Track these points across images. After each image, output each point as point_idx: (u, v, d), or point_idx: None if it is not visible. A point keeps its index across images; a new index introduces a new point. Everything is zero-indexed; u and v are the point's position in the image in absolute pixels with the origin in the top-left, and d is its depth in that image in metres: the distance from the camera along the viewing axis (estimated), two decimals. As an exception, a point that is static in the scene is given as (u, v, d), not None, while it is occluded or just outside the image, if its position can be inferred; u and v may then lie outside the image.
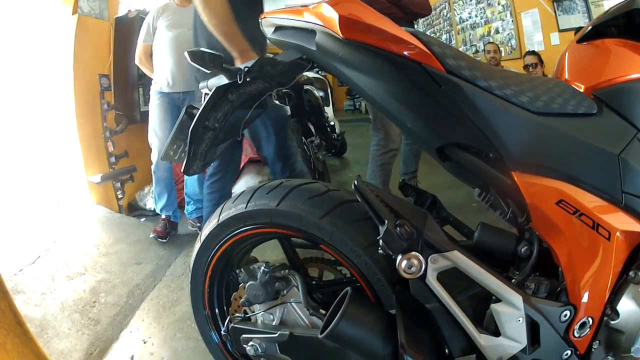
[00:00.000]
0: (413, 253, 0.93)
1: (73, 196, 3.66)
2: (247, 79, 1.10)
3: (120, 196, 3.85)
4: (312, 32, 1.01)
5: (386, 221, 0.92)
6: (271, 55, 1.20)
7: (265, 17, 1.18)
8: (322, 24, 0.97)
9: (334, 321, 0.95)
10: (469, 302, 1.01)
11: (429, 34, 6.57)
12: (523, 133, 0.97)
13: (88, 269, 2.69)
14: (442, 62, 0.93)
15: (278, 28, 1.16)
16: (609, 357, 1.04)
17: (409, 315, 1.00)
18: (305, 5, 1.04)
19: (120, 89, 3.99)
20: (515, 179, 0.96)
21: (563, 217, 0.97)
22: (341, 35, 0.93)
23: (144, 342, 2.03)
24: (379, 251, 0.96)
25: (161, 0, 3.44)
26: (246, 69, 1.09)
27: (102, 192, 3.78)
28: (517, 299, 0.95)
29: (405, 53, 0.91)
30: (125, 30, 3.94)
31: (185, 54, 1.09)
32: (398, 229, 0.92)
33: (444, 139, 0.97)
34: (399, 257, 0.93)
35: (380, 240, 0.93)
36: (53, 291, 2.41)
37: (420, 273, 0.94)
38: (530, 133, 0.97)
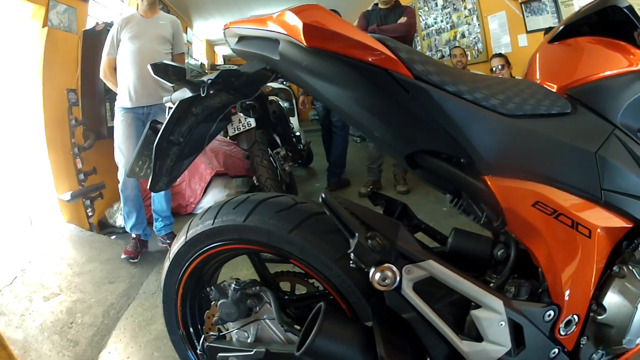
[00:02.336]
0: (386, 265, 0.91)
1: (44, 214, 3.60)
2: (211, 92, 1.07)
3: (90, 214, 3.79)
4: (276, 42, 0.99)
5: (357, 234, 0.90)
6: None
7: (228, 27, 1.15)
8: (285, 32, 0.94)
9: (310, 338, 0.92)
10: (448, 309, 0.99)
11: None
12: (495, 136, 0.95)
13: (63, 289, 2.67)
14: (410, 67, 0.90)
15: (242, 38, 1.13)
16: (599, 350, 1.04)
17: (387, 327, 0.98)
18: (270, 14, 1.01)
19: (88, 104, 3.92)
20: (489, 183, 0.94)
21: (540, 219, 0.96)
22: (305, 43, 0.89)
23: None
24: (351, 265, 0.94)
25: (129, 11, 3.39)
26: (209, 81, 1.06)
27: (73, 210, 3.72)
28: (498, 303, 0.93)
29: (371, 60, 0.88)
30: (93, 44, 3.88)
31: (149, 67, 1.07)
32: (369, 241, 0.90)
33: (413, 146, 0.95)
34: (372, 269, 0.91)
35: (352, 254, 0.91)
36: (32, 312, 2.39)
37: (395, 285, 0.92)
38: (503, 136, 0.96)
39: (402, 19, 4.11)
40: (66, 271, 2.90)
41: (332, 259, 1.03)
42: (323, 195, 0.94)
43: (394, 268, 0.91)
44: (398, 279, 0.92)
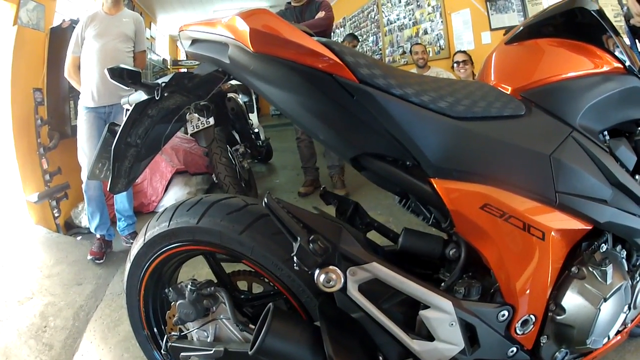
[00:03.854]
0: (330, 267, 0.92)
1: (12, 216, 3.56)
2: (165, 94, 1.08)
3: (56, 215, 3.74)
4: (226, 45, 0.99)
5: (298, 237, 0.91)
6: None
7: (183, 30, 1.16)
8: (233, 37, 0.95)
9: (260, 337, 0.94)
10: (397, 308, 1.00)
11: (356, 34, 6.59)
12: (441, 139, 0.95)
13: (35, 293, 2.67)
14: (355, 71, 0.90)
15: (195, 41, 1.13)
16: (563, 349, 1.06)
17: (336, 326, 1.00)
18: (220, 19, 1.02)
19: (53, 103, 3.85)
20: (435, 185, 0.95)
21: (489, 221, 0.96)
22: (252, 49, 0.90)
23: None
24: (295, 267, 0.95)
25: (94, 8, 3.33)
26: (163, 84, 1.08)
27: (40, 212, 3.67)
28: (446, 304, 0.94)
29: (316, 65, 0.89)
30: (59, 42, 3.80)
31: (105, 71, 1.07)
32: (311, 245, 0.90)
33: (358, 149, 0.96)
34: (317, 271, 0.92)
35: (295, 257, 0.91)
36: (8, 317, 2.40)
37: (341, 286, 0.93)
38: (450, 138, 0.95)
39: (321, 14, 4.02)
40: (36, 274, 2.90)
41: (281, 259, 1.06)
42: (265, 200, 0.94)
43: (338, 270, 0.92)
44: (342, 280, 0.93)
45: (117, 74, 1.06)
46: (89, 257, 3.11)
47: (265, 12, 0.95)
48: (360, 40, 7.79)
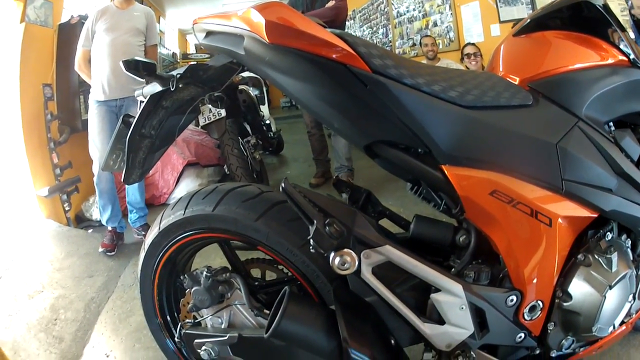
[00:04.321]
0: (345, 250, 0.94)
1: (23, 211, 3.58)
2: (180, 85, 1.11)
3: (67, 208, 3.76)
4: (241, 37, 1.02)
5: (315, 221, 0.93)
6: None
7: (197, 23, 1.18)
8: (249, 29, 0.97)
9: (276, 321, 0.96)
10: (409, 292, 1.02)
11: (365, 28, 6.73)
12: (452, 127, 0.97)
13: (45, 286, 2.68)
14: (368, 62, 0.93)
15: (209, 33, 1.15)
16: (569, 336, 1.07)
17: (350, 310, 1.02)
18: (235, 11, 1.04)
19: (63, 98, 3.87)
20: (446, 172, 0.97)
21: (498, 207, 0.98)
22: (267, 40, 0.93)
23: (107, 356, 2.03)
24: (311, 250, 0.97)
25: (104, 3, 3.35)
26: (178, 76, 1.10)
27: (51, 206, 3.69)
28: (457, 287, 0.96)
29: (330, 55, 0.91)
30: (68, 37, 3.82)
31: (120, 63, 1.09)
32: (327, 228, 0.93)
33: (371, 137, 0.98)
34: (332, 254, 0.94)
35: (311, 240, 0.94)
36: (18, 311, 2.41)
37: (355, 268, 0.95)
38: (460, 127, 0.98)
39: (330, 3, 3.95)
40: (47, 267, 2.91)
41: (296, 245, 1.08)
42: (283, 185, 0.97)
43: (353, 253, 0.95)
44: (357, 263, 0.95)
45: (133, 66, 1.09)
46: (100, 249, 3.13)
47: (279, 4, 0.98)
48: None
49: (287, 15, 0.95)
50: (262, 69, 0.99)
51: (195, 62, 1.22)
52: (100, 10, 3.18)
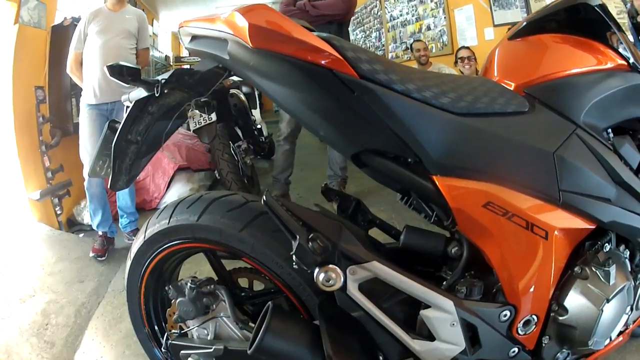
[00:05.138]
0: (330, 266, 0.91)
1: (15, 214, 3.56)
2: (165, 91, 1.09)
3: (59, 212, 3.74)
4: (226, 41, 0.99)
5: (298, 236, 0.90)
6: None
7: (182, 26, 1.15)
8: (232, 32, 0.94)
9: (259, 337, 0.93)
10: (398, 307, 0.99)
11: (358, 32, 6.75)
12: (444, 135, 0.94)
13: (37, 290, 2.68)
14: (355, 67, 0.89)
15: (194, 37, 1.13)
16: (564, 350, 1.04)
17: (336, 325, 0.99)
18: (219, 14, 1.01)
19: (55, 100, 3.84)
20: (437, 183, 0.94)
21: (492, 220, 0.95)
22: (251, 44, 0.90)
23: None
24: (294, 266, 0.95)
25: (96, 5, 3.33)
26: (163, 81, 1.08)
27: (42, 209, 3.66)
28: (448, 303, 0.93)
29: (316, 60, 0.88)
30: (60, 39, 3.79)
31: (105, 68, 1.07)
32: (310, 243, 0.90)
33: (359, 145, 0.95)
34: (316, 270, 0.91)
35: (294, 256, 0.91)
36: (10, 315, 2.41)
37: (341, 285, 0.92)
38: (452, 135, 0.94)
39: None
40: (39, 272, 2.91)
41: (281, 257, 1.05)
42: (264, 197, 0.94)
43: (338, 269, 0.92)
44: (342, 279, 0.92)
45: (117, 71, 1.06)
46: (91, 254, 3.11)
47: (264, 7, 0.95)
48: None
49: (271, 18, 0.92)
50: (247, 74, 0.96)
51: (180, 67, 1.20)
52: (92, 13, 3.17)
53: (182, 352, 1.17)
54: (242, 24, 0.91)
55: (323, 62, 0.88)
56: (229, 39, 0.97)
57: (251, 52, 0.92)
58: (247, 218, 1.08)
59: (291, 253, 0.91)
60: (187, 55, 11.49)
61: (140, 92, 1.12)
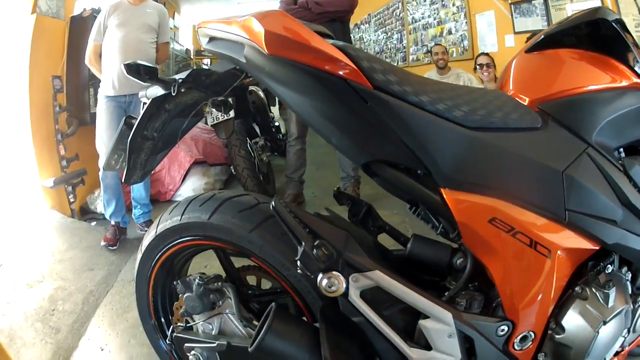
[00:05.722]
0: (333, 273, 0.93)
1: (28, 201, 3.60)
2: (182, 90, 1.10)
3: (72, 200, 3.78)
4: (242, 45, 1.00)
5: (303, 242, 0.92)
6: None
7: (200, 27, 1.17)
8: (249, 37, 0.96)
9: (260, 336, 0.96)
10: (398, 316, 1.00)
11: (380, 33, 6.60)
12: (455, 149, 0.93)
13: (45, 277, 2.71)
14: (370, 77, 0.90)
15: (212, 38, 1.15)
16: None
17: (336, 329, 1.00)
18: (236, 18, 1.02)
19: (72, 90, 3.89)
20: (445, 196, 0.94)
21: (496, 236, 0.94)
22: (266, 51, 0.91)
23: (102, 350, 2.06)
24: (298, 271, 0.96)
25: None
26: (180, 80, 1.09)
27: (55, 197, 3.71)
28: (447, 315, 0.94)
29: (331, 69, 0.89)
30: (79, 30, 3.83)
31: (122, 66, 1.09)
32: (315, 250, 0.92)
33: (370, 155, 0.96)
34: (319, 276, 0.93)
35: (298, 262, 0.93)
36: (16, 300, 2.44)
37: (343, 291, 0.94)
38: (463, 149, 0.94)
39: None
40: (48, 258, 2.94)
41: (289, 259, 1.07)
42: (273, 203, 0.96)
43: (341, 276, 0.93)
44: (345, 286, 0.94)
45: (134, 69, 1.07)
46: (103, 243, 3.15)
47: (280, 13, 0.96)
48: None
49: (287, 24, 0.93)
50: (263, 78, 0.97)
51: (197, 67, 1.21)
52: (113, 5, 3.19)
53: (185, 344, 1.19)
54: (258, 30, 0.93)
55: (337, 71, 0.89)
56: (246, 43, 0.99)
57: (266, 58, 0.93)
58: (258, 220, 1.10)
59: (296, 258, 0.93)
60: (208, 49, 11.49)
61: (157, 90, 1.14)
